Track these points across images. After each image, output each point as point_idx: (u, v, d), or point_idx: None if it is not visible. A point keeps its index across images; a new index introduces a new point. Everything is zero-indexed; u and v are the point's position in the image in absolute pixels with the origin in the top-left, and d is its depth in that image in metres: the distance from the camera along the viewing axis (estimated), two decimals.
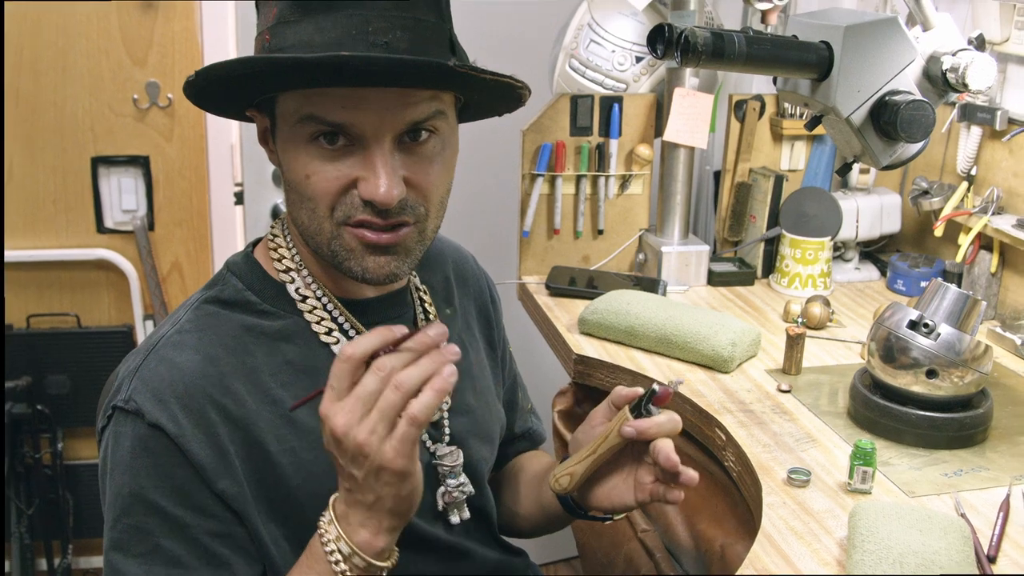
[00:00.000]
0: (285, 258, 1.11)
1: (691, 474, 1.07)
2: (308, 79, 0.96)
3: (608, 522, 1.24)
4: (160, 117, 2.58)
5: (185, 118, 2.59)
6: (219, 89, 1.01)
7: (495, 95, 1.07)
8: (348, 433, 0.90)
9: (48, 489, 2.67)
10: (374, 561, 0.96)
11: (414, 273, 1.22)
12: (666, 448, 1.07)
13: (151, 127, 2.59)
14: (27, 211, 2.58)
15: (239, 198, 2.63)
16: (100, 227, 2.64)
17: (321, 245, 1.04)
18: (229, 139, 2.59)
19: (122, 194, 2.63)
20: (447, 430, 1.19)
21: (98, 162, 2.58)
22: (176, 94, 2.56)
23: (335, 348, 1.10)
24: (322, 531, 0.98)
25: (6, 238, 2.57)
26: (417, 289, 1.23)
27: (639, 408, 1.09)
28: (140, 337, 2.68)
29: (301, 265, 1.11)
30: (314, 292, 1.11)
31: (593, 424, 1.18)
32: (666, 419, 1.09)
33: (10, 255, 2.57)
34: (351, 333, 1.12)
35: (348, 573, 0.96)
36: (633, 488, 1.15)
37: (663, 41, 1.25)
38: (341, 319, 1.11)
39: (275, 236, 1.13)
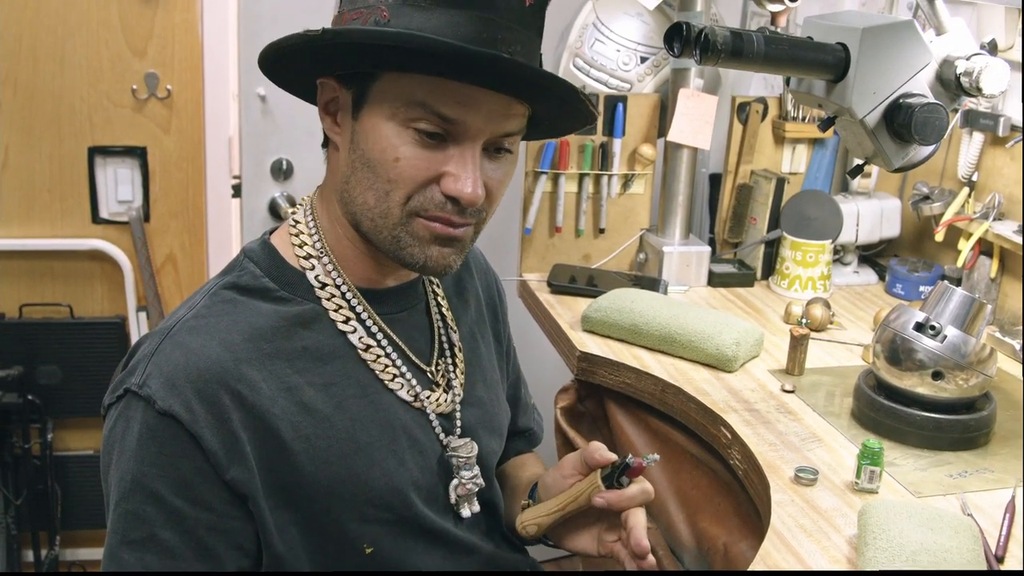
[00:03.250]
0: (307, 244, 1.11)
1: (651, 561, 1.10)
2: (443, 66, 0.97)
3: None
4: (158, 108, 2.57)
5: (183, 110, 2.57)
6: (318, 52, 1.02)
7: (567, 120, 1.14)
8: None
9: (37, 480, 2.65)
10: None
11: None
12: (637, 530, 1.10)
13: (149, 118, 2.57)
14: (22, 200, 2.56)
15: (237, 191, 2.62)
16: (95, 217, 2.62)
17: (381, 229, 1.05)
18: (227, 132, 2.58)
19: (118, 185, 2.62)
20: (459, 422, 1.19)
21: (95, 152, 2.56)
22: (175, 85, 2.54)
23: (352, 337, 1.11)
24: None
25: (2, 226, 2.56)
26: (430, 282, 1.23)
27: (611, 478, 1.12)
28: (132, 329, 2.67)
29: (323, 251, 1.11)
30: (333, 280, 1.10)
31: (564, 473, 1.21)
32: (637, 491, 1.12)
33: (4, 243, 2.56)
34: (368, 323, 1.12)
35: None
36: (596, 540, 1.19)
37: (680, 39, 1.26)
38: (359, 308, 1.11)
39: (297, 222, 1.13)
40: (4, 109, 2.48)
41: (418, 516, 1.12)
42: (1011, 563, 1.19)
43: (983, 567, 1.12)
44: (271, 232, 1.16)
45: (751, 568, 1.17)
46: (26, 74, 2.47)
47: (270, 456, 1.03)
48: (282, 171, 2.59)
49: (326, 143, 1.13)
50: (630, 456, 1.10)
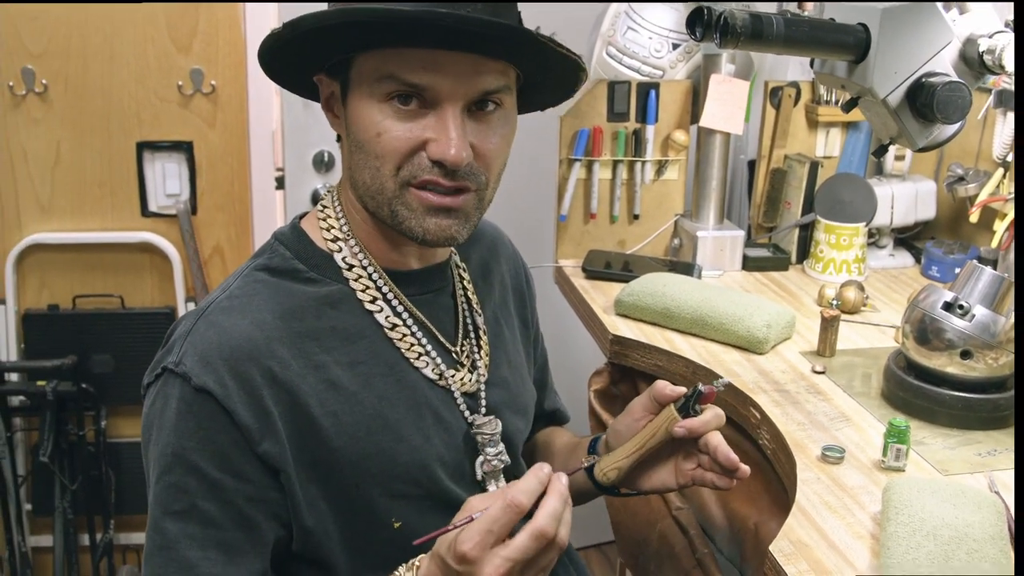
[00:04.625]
0: (334, 228, 1.15)
1: (745, 469, 1.15)
2: (398, 35, 1.00)
3: (635, 496, 1.29)
4: (204, 103, 2.63)
5: (228, 105, 2.63)
6: (298, 48, 1.05)
7: (556, 75, 1.13)
8: None
9: (91, 466, 2.73)
10: None
11: (454, 248, 1.25)
12: (723, 447, 1.15)
13: (195, 113, 2.63)
14: (74, 194, 2.64)
15: (280, 183, 2.68)
16: (144, 211, 2.69)
17: (382, 205, 1.08)
18: (270, 126, 2.64)
19: (166, 179, 2.68)
20: (483, 401, 1.22)
21: (143, 147, 2.63)
22: (219, 81, 2.60)
23: (379, 316, 1.14)
24: None
25: (55, 220, 2.64)
26: (457, 266, 1.26)
27: (687, 408, 1.15)
28: None
29: (349, 235, 1.14)
30: (360, 261, 1.14)
31: (635, 417, 1.22)
32: (712, 416, 1.16)
33: (57, 236, 2.64)
34: (394, 303, 1.15)
35: None
36: (674, 473, 1.21)
37: (702, 24, 1.28)
38: (385, 288, 1.15)
39: (325, 207, 1.17)
40: (56, 107, 2.56)
41: (445, 491, 1.15)
42: None
43: (1007, 542, 1.12)
44: (301, 217, 1.20)
45: (774, 544, 1.18)
46: (76, 72, 2.54)
47: (300, 431, 1.07)
48: (324, 163, 2.64)
49: (339, 138, 1.17)
50: (700, 384, 1.14)
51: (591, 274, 2.07)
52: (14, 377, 2.65)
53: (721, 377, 1.17)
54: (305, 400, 1.07)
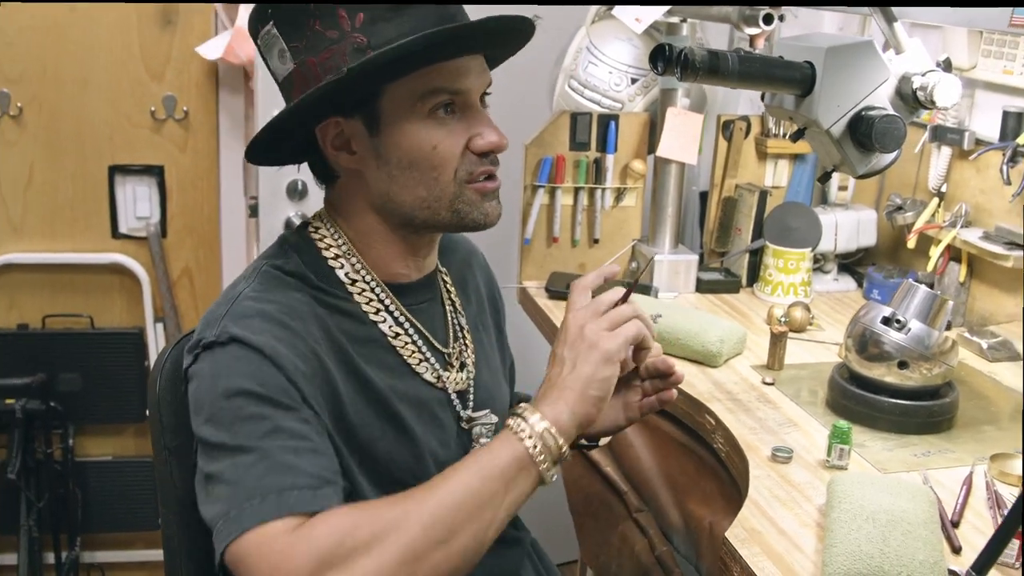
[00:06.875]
0: (332, 247, 1.23)
1: (680, 373, 1.31)
2: (443, 53, 1.13)
3: (594, 448, 1.42)
4: (175, 129, 2.71)
5: (199, 130, 2.72)
6: (338, 97, 1.14)
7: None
8: (584, 325, 1.13)
9: (58, 484, 2.76)
10: (560, 440, 1.09)
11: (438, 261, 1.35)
12: (656, 359, 1.29)
13: (166, 138, 2.71)
14: (46, 215, 2.70)
15: (253, 211, 2.74)
16: (115, 232, 2.76)
17: (439, 210, 1.19)
18: (240, 152, 2.71)
19: (137, 201, 2.75)
20: (471, 397, 1.31)
21: (115, 170, 2.70)
22: (191, 107, 2.68)
23: (383, 327, 1.23)
24: (514, 413, 1.11)
25: (26, 241, 2.69)
26: (440, 270, 1.36)
27: None
28: (150, 339, 2.79)
29: (349, 253, 1.23)
30: (362, 276, 1.23)
31: None
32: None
33: (28, 257, 2.69)
34: (395, 313, 1.24)
35: (536, 447, 1.08)
36: (623, 411, 1.33)
37: (664, 59, 1.40)
38: (387, 301, 1.24)
39: (318, 228, 1.24)
40: (29, 130, 2.62)
41: None
42: (965, 528, 1.32)
43: (938, 527, 1.24)
44: (304, 226, 1.27)
45: (729, 531, 1.29)
46: (51, 96, 2.61)
47: (329, 401, 1.14)
48: (297, 191, 2.70)
49: (327, 179, 1.25)
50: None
51: (553, 294, 2.18)
52: None
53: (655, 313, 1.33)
54: (333, 375, 1.15)
